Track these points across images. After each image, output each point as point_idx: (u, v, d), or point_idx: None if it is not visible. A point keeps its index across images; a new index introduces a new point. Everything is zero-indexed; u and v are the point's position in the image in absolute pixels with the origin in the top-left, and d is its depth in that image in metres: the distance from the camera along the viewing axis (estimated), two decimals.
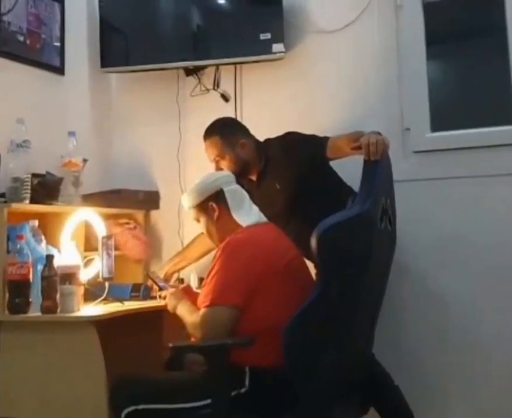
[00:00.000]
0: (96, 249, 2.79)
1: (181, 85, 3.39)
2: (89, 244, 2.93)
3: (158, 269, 2.99)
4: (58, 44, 3.13)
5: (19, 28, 2.92)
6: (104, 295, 2.68)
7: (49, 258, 2.48)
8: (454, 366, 2.88)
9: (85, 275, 2.74)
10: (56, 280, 2.45)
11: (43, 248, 2.60)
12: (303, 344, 2.08)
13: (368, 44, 3.09)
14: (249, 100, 3.32)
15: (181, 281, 3.06)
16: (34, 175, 2.63)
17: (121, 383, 2.25)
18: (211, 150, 2.80)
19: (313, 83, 3.19)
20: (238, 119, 3.25)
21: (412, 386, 2.63)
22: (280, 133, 2.86)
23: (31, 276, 2.46)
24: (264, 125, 3.19)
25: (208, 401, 2.10)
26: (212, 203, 2.37)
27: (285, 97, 3.23)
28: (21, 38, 2.94)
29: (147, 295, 2.83)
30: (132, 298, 2.80)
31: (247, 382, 2.12)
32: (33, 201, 2.60)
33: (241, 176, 2.72)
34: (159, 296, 2.71)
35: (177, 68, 3.31)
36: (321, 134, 2.74)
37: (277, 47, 3.12)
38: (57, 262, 2.50)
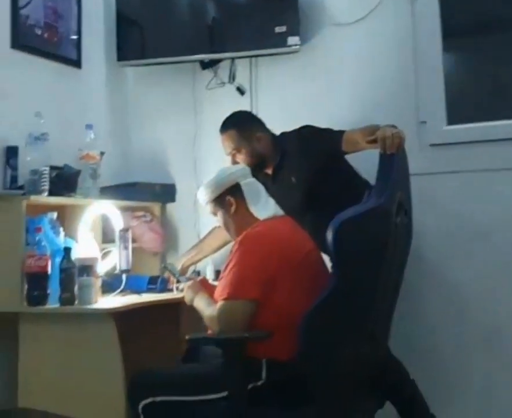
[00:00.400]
0: (113, 242, 2.81)
1: (197, 78, 3.40)
2: (106, 236, 2.96)
3: (174, 261, 3.00)
4: (75, 37, 3.14)
5: (36, 21, 2.94)
6: (122, 287, 2.69)
7: (67, 250, 2.50)
8: (471, 359, 2.88)
9: (103, 267, 2.76)
10: (74, 272, 2.47)
11: (61, 240, 2.62)
12: (319, 338, 2.08)
13: (384, 37, 3.08)
14: (265, 93, 3.32)
15: (198, 273, 3.07)
16: (52, 168, 2.65)
17: (138, 374, 2.27)
18: (227, 143, 2.81)
19: (329, 76, 3.18)
20: (254, 112, 3.25)
21: (428, 380, 2.65)
22: (296, 125, 2.86)
23: (49, 268, 2.48)
24: (279, 117, 3.19)
25: (225, 393, 2.11)
26: (229, 197, 2.38)
27: (300, 90, 3.23)
28: (39, 32, 2.95)
29: (164, 288, 2.85)
30: (149, 290, 2.82)
31: (263, 375, 2.12)
32: (51, 193, 2.62)
33: (257, 169, 2.73)
34: (177, 289, 2.74)
35: (193, 61, 3.32)
36: (336, 127, 2.73)
37: (293, 40, 3.12)
38: (75, 254, 2.52)
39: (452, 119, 2.99)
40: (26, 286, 2.47)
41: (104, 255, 2.82)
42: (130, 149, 3.44)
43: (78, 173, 2.78)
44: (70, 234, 2.73)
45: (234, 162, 2.79)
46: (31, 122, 2.66)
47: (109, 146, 3.15)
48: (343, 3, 3.17)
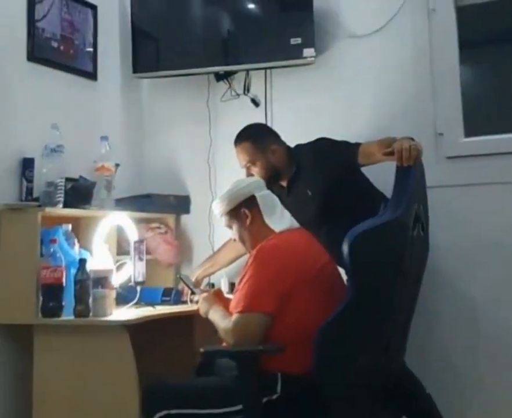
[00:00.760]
0: (127, 253, 2.82)
1: (211, 90, 3.40)
2: (121, 248, 2.96)
3: (188, 273, 3.00)
4: (91, 50, 3.16)
5: (53, 34, 2.95)
6: (136, 299, 2.69)
7: (82, 261, 2.50)
8: (487, 373, 2.84)
9: (117, 279, 2.76)
10: (88, 283, 2.47)
11: (76, 252, 2.63)
12: (335, 351, 2.07)
13: (400, 49, 3.07)
14: (280, 104, 3.31)
15: (212, 285, 3.06)
16: (68, 179, 2.66)
17: (153, 387, 2.26)
18: (242, 156, 2.81)
19: (344, 88, 3.17)
20: (269, 124, 3.26)
21: (444, 394, 2.62)
22: (310, 137, 2.86)
23: (64, 280, 2.48)
24: (294, 129, 3.18)
25: (240, 407, 2.10)
26: (244, 209, 2.37)
27: (315, 102, 3.22)
28: (55, 44, 2.97)
29: (178, 300, 2.85)
30: (163, 303, 2.82)
31: (278, 389, 2.11)
32: (66, 205, 2.63)
33: (272, 182, 2.72)
34: (191, 301, 2.73)
35: (207, 73, 3.32)
36: (352, 140, 2.73)
37: (308, 51, 3.11)
38: (89, 266, 2.52)
39: (469, 132, 2.97)
40: (41, 298, 2.48)
41: (119, 266, 2.82)
42: (145, 161, 3.44)
43: (93, 185, 2.79)
44: (85, 245, 2.73)
45: (249, 175, 2.78)
46: (47, 134, 2.68)
47: (124, 157, 3.15)
48: (359, 15, 3.16)
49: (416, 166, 2.22)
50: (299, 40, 3.12)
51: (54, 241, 2.50)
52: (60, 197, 2.61)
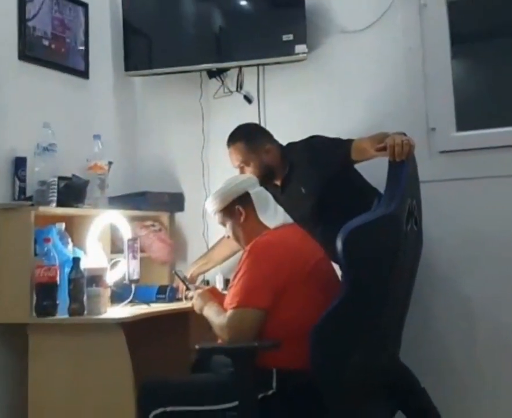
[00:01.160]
0: (121, 252, 2.81)
1: (204, 87, 3.40)
2: (114, 246, 2.95)
3: (183, 270, 2.99)
4: (82, 48, 3.15)
5: (44, 33, 2.94)
6: (130, 297, 2.69)
7: (76, 260, 2.50)
8: (482, 367, 2.86)
9: (111, 277, 2.76)
10: (82, 282, 2.47)
11: (70, 250, 2.62)
12: (329, 347, 2.07)
13: (392, 44, 3.08)
14: (273, 101, 3.32)
15: (207, 283, 3.07)
16: (61, 178, 2.65)
17: (148, 385, 2.26)
18: (235, 156, 2.80)
19: (337, 84, 3.18)
20: (262, 120, 3.27)
21: (439, 388, 2.63)
22: (304, 133, 2.86)
23: (58, 279, 2.48)
24: (287, 125, 3.19)
25: (235, 403, 2.10)
26: (238, 206, 2.37)
27: (308, 98, 3.22)
28: (46, 43, 2.96)
29: (173, 297, 2.85)
30: (158, 300, 2.82)
31: (274, 385, 2.11)
32: (60, 204, 2.62)
33: (265, 181, 2.71)
34: (186, 297, 2.73)
35: (200, 70, 3.32)
36: (345, 135, 2.73)
37: (300, 48, 3.11)
38: (83, 265, 2.52)
39: (461, 126, 2.98)
40: (35, 297, 2.47)
41: (113, 265, 2.82)
42: (138, 159, 3.43)
43: (86, 183, 2.78)
44: (79, 244, 2.72)
45: None
46: (39, 133, 2.67)
47: (117, 155, 3.15)
48: (351, 11, 3.17)
49: (409, 161, 2.23)
50: (291, 36, 3.12)
51: (47, 240, 2.49)
52: (53, 196, 2.60)
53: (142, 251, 2.93)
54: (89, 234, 2.78)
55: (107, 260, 2.77)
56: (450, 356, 2.90)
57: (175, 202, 3.35)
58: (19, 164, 2.69)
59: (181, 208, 3.39)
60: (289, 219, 2.44)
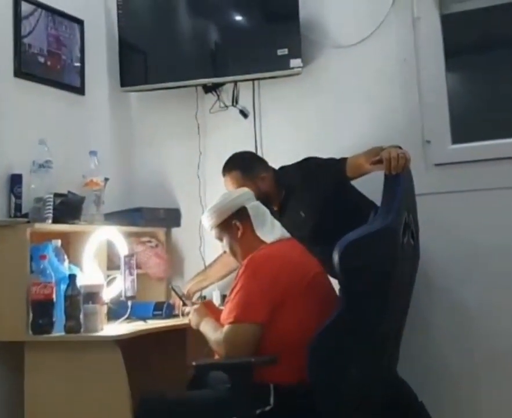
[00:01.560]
0: (118, 268, 2.80)
1: (200, 102, 3.41)
2: (111, 263, 2.95)
3: (180, 286, 2.99)
4: (78, 64, 3.15)
5: (39, 49, 2.95)
6: (127, 314, 2.68)
7: (72, 277, 2.49)
8: (481, 380, 2.84)
9: (108, 294, 2.75)
10: (79, 299, 2.46)
11: (66, 267, 2.61)
12: (326, 362, 2.07)
13: (387, 58, 3.08)
14: (268, 115, 3.32)
15: (204, 298, 3.05)
16: (56, 195, 2.64)
17: (145, 402, 2.25)
18: (231, 185, 2.79)
19: (332, 98, 3.18)
20: (257, 134, 3.27)
21: (438, 402, 2.61)
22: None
23: (54, 296, 2.47)
24: (283, 139, 3.21)
25: None
26: (235, 221, 2.37)
27: (303, 112, 3.23)
28: (42, 60, 2.96)
29: (170, 313, 2.84)
30: (154, 317, 2.80)
31: (271, 400, 2.10)
32: (55, 220, 2.61)
33: None
34: (183, 313, 2.72)
35: (196, 85, 3.32)
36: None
37: (295, 62, 3.12)
38: (80, 282, 2.51)
39: (457, 139, 2.98)
40: (31, 314, 2.46)
41: (109, 281, 2.81)
42: (134, 174, 3.43)
43: (82, 200, 2.78)
44: (75, 261, 2.72)
45: None
46: (35, 150, 2.67)
47: (113, 172, 3.14)
48: (345, 25, 3.18)
49: (404, 174, 2.24)
50: (285, 51, 3.13)
51: (43, 257, 2.49)
52: (49, 213, 2.59)
53: (139, 267, 2.92)
54: (85, 251, 2.77)
55: (103, 277, 2.76)
56: (449, 369, 2.89)
57: (171, 217, 3.35)
58: (15, 180, 2.68)
59: (177, 224, 3.39)
60: (286, 234, 2.43)
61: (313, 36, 3.20)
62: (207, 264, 3.19)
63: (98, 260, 2.79)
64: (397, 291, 2.15)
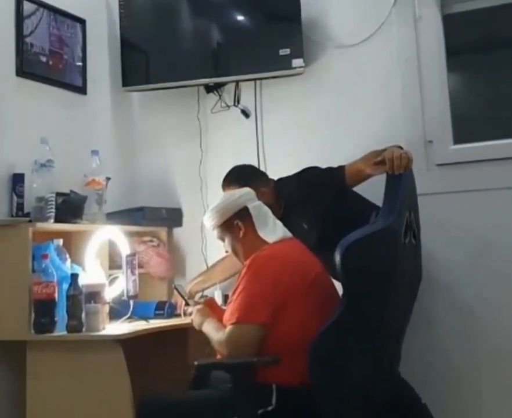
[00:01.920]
0: (120, 267, 2.80)
1: (202, 102, 3.41)
2: (113, 262, 2.94)
3: (183, 286, 2.99)
4: (80, 64, 3.15)
5: (41, 49, 2.95)
6: (129, 314, 2.68)
7: (74, 276, 2.49)
8: (484, 382, 2.84)
9: (110, 293, 2.74)
10: (81, 298, 2.46)
11: (68, 266, 2.61)
12: (327, 363, 2.07)
13: (388, 58, 3.09)
14: (270, 115, 3.33)
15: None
16: (58, 194, 2.64)
17: (147, 402, 2.25)
18: None
19: (333, 98, 3.19)
20: (259, 134, 3.28)
21: (441, 403, 2.61)
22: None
23: (56, 295, 2.46)
24: (285, 139, 3.21)
25: None
26: (237, 221, 2.36)
27: (305, 112, 3.23)
28: (44, 59, 2.96)
29: (172, 313, 2.83)
30: (156, 316, 2.80)
31: (273, 401, 2.10)
32: (57, 220, 2.61)
33: None
34: (184, 313, 2.72)
35: (197, 85, 3.33)
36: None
37: (297, 62, 3.13)
38: (82, 281, 2.51)
39: (458, 139, 2.98)
40: (33, 314, 2.46)
41: (111, 281, 2.81)
42: (136, 174, 3.43)
43: (84, 199, 2.78)
44: (77, 260, 2.71)
45: None
46: (36, 149, 2.66)
47: (115, 171, 3.14)
48: (347, 25, 3.18)
49: (406, 174, 2.24)
50: (287, 51, 3.13)
51: (45, 256, 2.48)
52: (51, 212, 2.59)
53: (140, 266, 2.92)
54: (87, 250, 2.77)
55: (105, 276, 2.75)
56: (452, 371, 2.88)
57: (173, 217, 3.34)
58: (17, 180, 2.68)
59: (179, 223, 3.38)
60: (288, 234, 2.43)
61: (315, 36, 3.21)
62: (209, 264, 3.20)
63: (100, 260, 2.79)
64: (398, 291, 2.15)
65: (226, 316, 2.24)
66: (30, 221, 2.56)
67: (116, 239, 2.91)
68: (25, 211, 2.66)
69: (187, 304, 2.70)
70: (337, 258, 2.01)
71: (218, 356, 2.26)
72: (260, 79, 3.26)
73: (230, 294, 2.37)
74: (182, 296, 2.74)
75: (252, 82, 3.30)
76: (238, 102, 3.36)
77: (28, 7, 2.87)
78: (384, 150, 2.36)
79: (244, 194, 2.45)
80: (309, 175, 2.76)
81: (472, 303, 2.87)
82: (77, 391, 2.40)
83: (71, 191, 2.77)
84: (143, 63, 3.37)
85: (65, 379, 2.42)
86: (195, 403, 2.23)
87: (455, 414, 2.81)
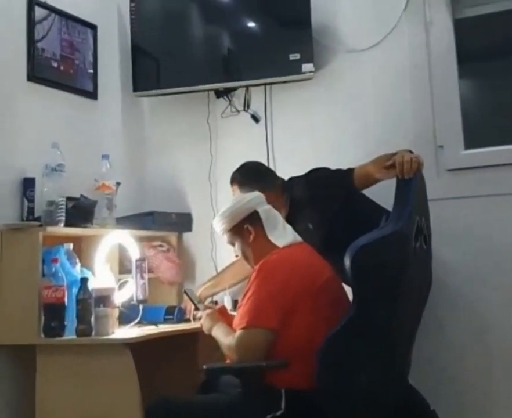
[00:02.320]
0: (129, 272, 2.81)
1: (212, 107, 3.41)
2: (122, 267, 2.95)
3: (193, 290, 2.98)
4: (91, 69, 3.17)
5: (53, 54, 2.97)
6: (138, 318, 2.68)
7: (84, 280, 2.49)
8: (495, 388, 2.81)
9: (119, 298, 2.75)
10: (90, 302, 2.46)
11: (77, 271, 2.62)
12: (336, 367, 2.06)
13: (399, 63, 3.07)
14: (280, 120, 3.32)
15: (215, 303, 3.04)
16: (69, 199, 2.66)
17: (156, 405, 2.24)
18: (238, 194, 2.77)
19: (344, 103, 3.18)
20: (269, 139, 3.27)
21: (452, 409, 2.59)
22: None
23: (66, 299, 2.47)
24: (295, 144, 3.20)
25: None
26: (247, 225, 2.36)
27: (315, 117, 3.22)
28: (55, 64, 2.98)
29: (181, 318, 2.84)
30: (166, 321, 2.81)
31: (282, 405, 2.09)
32: (68, 224, 2.62)
33: None
34: (194, 318, 2.72)
35: (207, 90, 3.33)
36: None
37: (307, 67, 3.12)
38: (91, 285, 2.51)
39: (469, 144, 2.96)
40: (43, 317, 2.47)
41: (121, 285, 2.81)
42: (146, 179, 3.44)
43: (94, 203, 2.79)
44: (87, 264, 2.72)
45: None
46: (47, 154, 2.68)
47: (125, 176, 3.15)
48: (357, 30, 3.17)
49: (417, 178, 2.22)
50: (298, 56, 3.13)
51: (55, 260, 2.49)
52: (61, 216, 2.60)
53: (150, 271, 2.92)
54: (97, 255, 2.77)
55: (115, 280, 2.76)
56: (462, 377, 2.85)
57: (182, 222, 3.35)
58: (27, 184, 2.70)
59: (189, 228, 3.39)
60: (298, 238, 2.42)
61: (325, 41, 3.20)
62: (219, 269, 3.19)
63: (110, 264, 2.79)
64: (408, 296, 2.14)
65: (236, 321, 2.24)
66: (40, 225, 2.57)
67: (126, 244, 2.92)
68: (36, 215, 2.68)
69: (196, 309, 2.69)
70: (347, 262, 2.01)
71: (228, 361, 2.25)
72: (270, 84, 3.26)
73: (239, 299, 2.36)
74: (192, 301, 2.74)
75: (262, 87, 3.29)
76: (248, 107, 3.35)
77: (39, 12, 2.89)
78: (395, 154, 2.35)
79: (254, 198, 2.45)
80: (318, 176, 2.76)
81: (484, 308, 2.85)
82: (86, 395, 2.40)
83: (81, 195, 2.78)
84: (153, 68, 3.38)
85: (74, 383, 2.43)
86: (204, 408, 2.23)
87: None
